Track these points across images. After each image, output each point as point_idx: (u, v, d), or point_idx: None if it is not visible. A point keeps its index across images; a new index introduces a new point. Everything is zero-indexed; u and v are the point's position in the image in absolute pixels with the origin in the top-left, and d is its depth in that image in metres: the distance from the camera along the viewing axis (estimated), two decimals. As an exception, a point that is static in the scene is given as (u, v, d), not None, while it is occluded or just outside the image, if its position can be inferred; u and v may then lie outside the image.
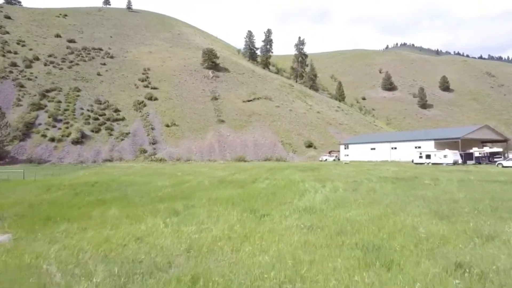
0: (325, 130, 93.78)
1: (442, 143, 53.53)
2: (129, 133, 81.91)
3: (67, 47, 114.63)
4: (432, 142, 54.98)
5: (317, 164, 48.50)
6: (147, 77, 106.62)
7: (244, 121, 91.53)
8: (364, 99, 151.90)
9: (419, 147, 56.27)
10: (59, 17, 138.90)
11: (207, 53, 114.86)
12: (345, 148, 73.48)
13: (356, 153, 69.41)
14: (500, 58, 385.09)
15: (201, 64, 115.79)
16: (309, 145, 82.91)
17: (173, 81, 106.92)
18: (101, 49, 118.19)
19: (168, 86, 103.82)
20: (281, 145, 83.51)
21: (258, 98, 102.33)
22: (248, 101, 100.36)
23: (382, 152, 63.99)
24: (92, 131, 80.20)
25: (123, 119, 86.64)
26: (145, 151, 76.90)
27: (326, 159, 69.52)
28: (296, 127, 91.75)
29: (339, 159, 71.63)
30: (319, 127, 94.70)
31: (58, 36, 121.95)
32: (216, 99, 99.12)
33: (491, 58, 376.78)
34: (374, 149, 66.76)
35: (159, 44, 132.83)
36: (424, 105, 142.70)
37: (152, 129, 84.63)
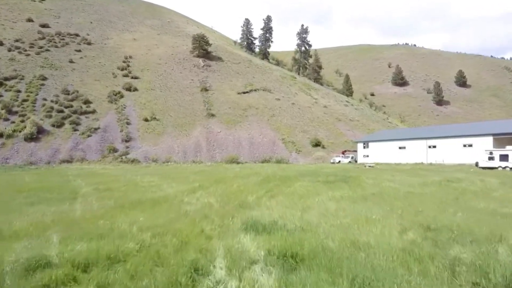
0: (334, 127, 79.67)
1: (505, 140, 39.55)
2: (98, 128, 67.74)
3: (39, 32, 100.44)
4: (490, 138, 40.97)
5: (338, 168, 34.41)
6: (128, 66, 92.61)
7: (239, 115, 77.40)
8: (372, 95, 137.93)
9: (470, 145, 42.32)
10: (34, 1, 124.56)
11: (198, 39, 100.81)
12: (364, 147, 59.22)
13: (379, 153, 55.20)
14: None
15: (191, 52, 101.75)
16: (316, 144, 68.76)
17: (158, 70, 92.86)
18: (77, 35, 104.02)
19: (151, 76, 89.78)
20: (282, 143, 69.39)
21: (255, 90, 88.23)
22: (244, 92, 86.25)
23: (415, 152, 49.85)
24: (53, 125, 66.00)
25: (93, 112, 72.49)
26: (115, 150, 62.71)
27: (339, 161, 55.45)
28: (300, 122, 77.59)
29: (356, 161, 57.59)
30: (327, 123, 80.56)
31: (30, 20, 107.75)
32: (206, 90, 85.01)
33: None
34: (403, 148, 52.61)
35: (145, 31, 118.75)
36: (440, 102, 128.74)
37: (128, 124, 70.49)
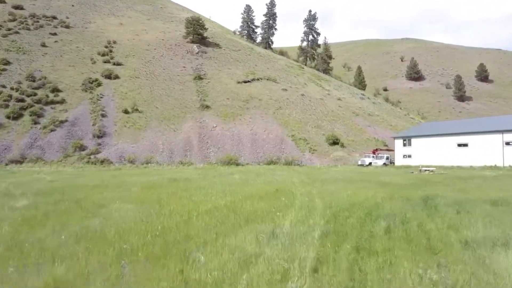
0: (352, 122, 66.97)
1: None
2: (65, 121, 55.00)
3: (10, 13, 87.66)
4: None
5: (395, 176, 21.77)
6: (111, 51, 79.85)
7: (238, 107, 64.70)
8: (386, 90, 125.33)
9: None
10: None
11: (192, 23, 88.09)
12: (404, 145, 46.37)
13: (427, 152, 42.02)
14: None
15: (184, 37, 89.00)
16: (334, 142, 56.06)
17: (145, 56, 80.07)
18: (55, 18, 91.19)
19: (136, 62, 77.02)
20: (291, 141, 56.66)
21: (258, 79, 75.53)
22: (245, 82, 73.54)
23: (483, 151, 37.00)
24: (8, 117, 53.34)
25: (62, 101, 59.81)
26: (82, 148, 49.92)
27: (370, 163, 42.80)
28: (312, 116, 64.91)
29: (392, 162, 44.97)
30: (343, 117, 67.89)
31: (1, 1, 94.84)
32: (200, 78, 72.26)
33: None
34: (465, 145, 39.82)
35: (134, 16, 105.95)
36: (461, 97, 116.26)
37: (103, 116, 57.76)
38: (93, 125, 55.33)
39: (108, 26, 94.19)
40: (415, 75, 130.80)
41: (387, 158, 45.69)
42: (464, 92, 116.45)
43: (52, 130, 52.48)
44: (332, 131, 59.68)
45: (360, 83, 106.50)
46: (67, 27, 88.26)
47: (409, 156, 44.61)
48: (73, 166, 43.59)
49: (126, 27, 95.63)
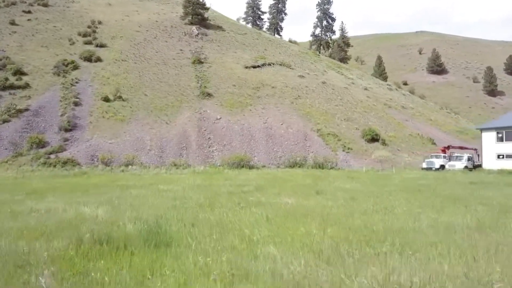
0: (386, 115, 54.57)
1: None
2: (26, 110, 42.49)
3: (-22, -10, 75.00)
4: None
5: None
6: (94, 32, 67.40)
7: (248, 96, 52.21)
8: (405, 84, 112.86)
9: None
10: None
11: (190, 1, 75.65)
12: (498, 140, 33.60)
13: None
14: None
15: (182, 18, 76.64)
16: (373, 138, 43.62)
17: (135, 38, 67.62)
18: (32, -4, 78.44)
19: (124, 44, 64.54)
20: (317, 136, 44.16)
21: (269, 64, 63.14)
22: (254, 67, 61.08)
23: None
24: (-51, 104, 40.74)
25: (25, 86, 47.31)
26: (42, 145, 37.29)
27: (441, 166, 30.41)
28: (339, 107, 52.45)
29: (477, 165, 32.57)
30: (376, 109, 55.49)
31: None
32: (200, 62, 59.78)
33: None
34: None
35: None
36: (492, 92, 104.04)
37: (76, 104, 45.19)
38: (61, 115, 42.76)
39: (94, 6, 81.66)
40: (437, 68, 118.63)
41: (469, 160, 33.17)
42: (496, 86, 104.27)
43: (5, 121, 39.94)
44: (367, 125, 47.20)
45: (381, 75, 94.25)
46: (45, 5, 75.68)
47: (509, 157, 31.89)
48: (20, 168, 30.97)
49: (114, 8, 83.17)
